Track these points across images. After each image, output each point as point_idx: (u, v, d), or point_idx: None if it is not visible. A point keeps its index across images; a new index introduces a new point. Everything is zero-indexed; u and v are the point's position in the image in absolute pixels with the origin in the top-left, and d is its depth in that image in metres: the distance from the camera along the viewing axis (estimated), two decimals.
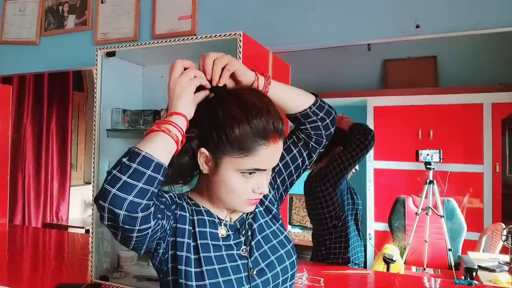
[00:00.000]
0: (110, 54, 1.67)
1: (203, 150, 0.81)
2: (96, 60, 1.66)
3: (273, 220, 0.93)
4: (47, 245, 2.51)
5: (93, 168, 1.64)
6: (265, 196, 0.93)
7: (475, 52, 3.69)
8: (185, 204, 0.86)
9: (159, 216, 0.75)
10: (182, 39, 1.51)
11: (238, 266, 0.82)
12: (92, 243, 1.63)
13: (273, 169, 0.89)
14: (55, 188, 4.05)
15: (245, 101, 0.78)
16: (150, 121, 1.70)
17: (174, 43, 1.52)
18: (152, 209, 0.71)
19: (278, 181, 0.96)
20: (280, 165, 0.94)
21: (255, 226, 0.89)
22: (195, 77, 0.86)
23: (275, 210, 0.94)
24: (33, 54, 2.32)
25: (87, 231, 3.53)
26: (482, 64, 3.68)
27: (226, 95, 0.82)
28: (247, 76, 0.85)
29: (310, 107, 0.90)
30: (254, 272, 0.83)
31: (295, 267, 0.89)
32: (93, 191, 1.65)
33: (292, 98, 0.90)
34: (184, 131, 0.78)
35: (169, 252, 0.81)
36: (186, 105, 0.82)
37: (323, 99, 0.95)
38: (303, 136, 0.95)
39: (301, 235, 4.03)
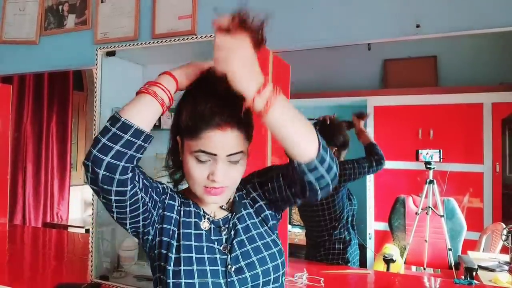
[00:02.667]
0: (110, 54, 1.67)
1: (178, 137, 0.88)
2: (96, 59, 1.66)
3: (262, 222, 0.92)
4: (47, 245, 2.51)
5: None
6: (255, 200, 0.93)
7: (475, 52, 3.69)
8: (176, 196, 0.91)
9: (138, 185, 0.79)
10: (182, 39, 1.51)
11: (216, 259, 0.84)
12: (92, 242, 1.63)
13: (261, 186, 0.91)
14: (55, 188, 4.05)
15: (205, 87, 0.82)
16: None
17: (174, 43, 1.52)
18: (130, 174, 0.76)
19: (268, 197, 0.92)
20: (265, 186, 0.91)
21: (239, 226, 0.89)
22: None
23: (266, 213, 0.93)
24: (33, 53, 2.32)
25: (87, 230, 3.53)
26: (482, 64, 3.68)
27: (198, 81, 0.86)
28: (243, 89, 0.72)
29: (309, 163, 0.73)
30: (232, 269, 0.84)
31: (280, 271, 0.88)
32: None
33: (291, 138, 0.74)
34: (172, 93, 0.82)
35: (156, 239, 0.86)
36: (183, 71, 0.87)
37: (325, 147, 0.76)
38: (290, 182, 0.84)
39: (301, 234, 4.03)
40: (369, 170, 1.97)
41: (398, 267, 2.66)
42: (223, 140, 0.79)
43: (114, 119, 0.74)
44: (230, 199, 0.92)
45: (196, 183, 0.83)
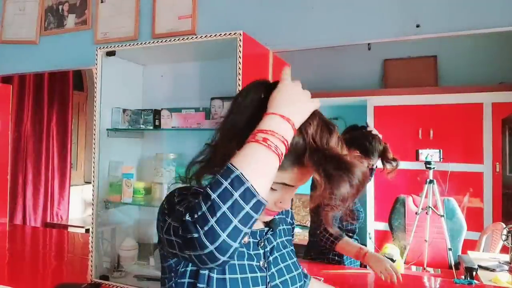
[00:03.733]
0: (110, 54, 1.67)
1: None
2: (96, 59, 1.66)
3: (289, 242, 0.94)
4: (47, 245, 2.51)
5: (93, 167, 1.64)
6: (288, 217, 0.96)
7: (475, 52, 3.69)
8: None
9: None
10: (182, 39, 1.51)
11: (257, 278, 0.81)
12: (92, 242, 1.63)
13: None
14: (55, 188, 4.05)
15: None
16: (150, 121, 1.70)
17: (174, 43, 1.52)
18: None
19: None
20: None
21: (274, 243, 0.88)
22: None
23: (292, 235, 0.98)
24: (33, 53, 2.32)
25: (87, 230, 3.53)
26: (482, 64, 3.68)
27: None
28: None
29: None
30: (270, 286, 0.82)
31: None
32: (93, 190, 1.65)
33: None
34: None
35: None
36: (298, 111, 0.73)
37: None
38: None
39: (301, 234, 4.02)
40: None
41: (398, 267, 2.66)
42: (306, 176, 0.75)
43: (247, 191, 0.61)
44: None
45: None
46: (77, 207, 4.41)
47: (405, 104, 3.72)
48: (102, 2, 2.10)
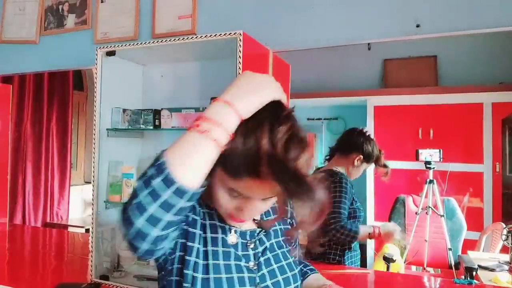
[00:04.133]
0: (110, 54, 1.67)
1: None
2: (96, 59, 1.66)
3: (286, 242, 0.92)
4: (47, 245, 2.51)
5: (93, 167, 1.64)
6: (283, 222, 0.92)
7: (475, 52, 3.70)
8: (196, 206, 0.82)
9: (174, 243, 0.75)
10: (182, 38, 1.51)
11: (244, 278, 0.80)
12: (92, 242, 1.63)
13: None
14: (55, 188, 4.05)
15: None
16: (150, 121, 1.69)
17: (174, 43, 1.52)
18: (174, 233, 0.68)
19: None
20: None
21: (267, 244, 0.86)
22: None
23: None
24: (33, 53, 2.32)
25: (87, 230, 3.53)
26: (482, 64, 3.68)
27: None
28: None
29: None
30: None
31: None
32: (93, 190, 1.65)
33: None
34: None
35: (177, 253, 0.78)
36: (248, 101, 0.67)
37: None
38: None
39: (300, 234, 4.02)
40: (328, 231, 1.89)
41: (398, 267, 2.66)
42: (263, 188, 0.68)
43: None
44: None
45: (222, 209, 0.77)
46: (77, 207, 4.41)
47: (405, 104, 3.73)
48: (102, 2, 2.10)
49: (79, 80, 4.48)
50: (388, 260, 2.29)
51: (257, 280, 0.81)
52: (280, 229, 0.91)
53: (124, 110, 1.73)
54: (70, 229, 3.75)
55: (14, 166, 3.55)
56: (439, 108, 3.62)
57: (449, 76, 3.86)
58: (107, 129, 1.68)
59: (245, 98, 0.66)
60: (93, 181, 1.63)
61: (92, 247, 1.62)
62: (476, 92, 3.47)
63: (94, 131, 1.64)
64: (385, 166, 2.12)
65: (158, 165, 0.61)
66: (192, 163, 0.62)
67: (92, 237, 1.63)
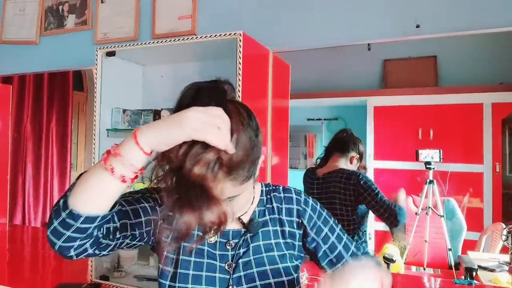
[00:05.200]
0: (110, 54, 1.67)
1: None
2: (96, 59, 1.66)
3: (280, 245, 0.84)
4: (47, 245, 2.50)
5: None
6: (289, 224, 0.86)
7: (475, 52, 3.69)
8: None
9: (109, 237, 0.74)
10: (182, 39, 1.51)
11: (215, 278, 0.79)
12: None
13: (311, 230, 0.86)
14: (55, 188, 4.04)
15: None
16: (150, 121, 1.70)
17: (174, 43, 1.52)
18: (88, 244, 0.71)
19: (309, 244, 0.88)
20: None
21: (250, 246, 0.82)
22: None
23: (300, 244, 0.87)
24: (33, 54, 2.32)
25: None
26: (482, 64, 3.68)
27: None
28: None
29: None
30: None
31: None
32: None
33: None
34: (140, 167, 0.67)
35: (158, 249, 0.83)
36: (157, 135, 0.65)
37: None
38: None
39: None
40: (385, 219, 2.01)
41: (398, 267, 2.66)
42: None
43: (63, 205, 0.68)
44: (246, 211, 0.84)
45: None
46: None
47: (405, 104, 3.73)
48: (102, 2, 2.10)
49: (79, 81, 4.48)
50: (388, 260, 2.29)
51: (231, 282, 0.79)
52: (274, 230, 0.85)
53: (124, 111, 1.73)
54: None
55: (14, 166, 3.55)
56: (439, 109, 3.62)
57: (449, 76, 3.85)
58: (107, 130, 1.68)
59: (150, 132, 0.65)
60: None
61: None
62: (476, 92, 3.46)
63: (94, 131, 1.64)
64: (365, 167, 2.27)
65: (68, 189, 0.70)
66: (86, 194, 0.67)
67: None
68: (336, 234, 0.89)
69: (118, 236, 0.75)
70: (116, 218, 0.75)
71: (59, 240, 0.68)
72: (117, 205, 0.73)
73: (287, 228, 0.85)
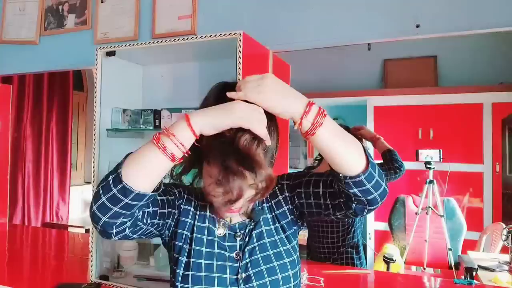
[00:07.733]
0: (110, 54, 1.66)
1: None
2: (96, 59, 1.66)
3: (279, 229, 0.89)
4: (47, 245, 2.51)
5: (93, 167, 1.64)
6: (279, 204, 0.89)
7: (475, 52, 3.70)
8: (193, 198, 0.91)
9: (143, 221, 0.80)
10: (182, 39, 1.51)
11: (225, 266, 0.84)
12: (92, 242, 1.63)
13: (293, 189, 0.88)
14: (55, 188, 4.05)
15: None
16: (150, 121, 1.70)
17: (174, 43, 1.52)
18: (128, 223, 0.76)
19: (297, 201, 0.88)
20: (303, 197, 0.86)
21: (253, 232, 0.87)
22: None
23: (288, 219, 0.89)
24: (33, 53, 2.32)
25: (87, 230, 3.53)
26: (482, 64, 3.68)
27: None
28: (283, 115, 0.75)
29: (355, 177, 0.73)
30: (242, 277, 0.83)
31: (290, 283, 0.85)
32: (93, 191, 1.65)
33: (339, 156, 0.74)
34: (188, 148, 0.74)
35: (172, 241, 0.88)
36: (209, 121, 0.74)
37: (374, 162, 0.77)
38: (340, 198, 0.80)
39: (302, 234, 4.02)
40: (387, 178, 1.94)
41: (398, 267, 2.66)
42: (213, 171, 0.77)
43: (116, 177, 0.72)
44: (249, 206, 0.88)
45: (213, 201, 0.79)
46: (77, 207, 4.41)
47: (405, 104, 3.73)
48: (102, 2, 2.10)
49: (79, 80, 4.48)
50: (388, 260, 2.29)
51: (239, 270, 0.84)
52: (272, 217, 0.89)
53: (124, 110, 1.73)
54: (70, 229, 3.75)
55: (14, 166, 3.55)
56: (439, 108, 3.62)
57: (449, 76, 3.86)
58: (107, 129, 1.68)
59: (201, 116, 0.74)
60: (93, 181, 1.63)
61: (92, 247, 1.62)
62: (476, 92, 3.47)
63: (94, 131, 1.64)
64: (357, 129, 2.25)
65: (117, 165, 0.74)
66: (139, 170, 0.72)
67: (92, 237, 1.63)
68: (309, 175, 0.91)
69: (149, 221, 0.81)
70: (150, 204, 0.80)
71: (105, 216, 0.72)
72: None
73: (280, 210, 0.90)
